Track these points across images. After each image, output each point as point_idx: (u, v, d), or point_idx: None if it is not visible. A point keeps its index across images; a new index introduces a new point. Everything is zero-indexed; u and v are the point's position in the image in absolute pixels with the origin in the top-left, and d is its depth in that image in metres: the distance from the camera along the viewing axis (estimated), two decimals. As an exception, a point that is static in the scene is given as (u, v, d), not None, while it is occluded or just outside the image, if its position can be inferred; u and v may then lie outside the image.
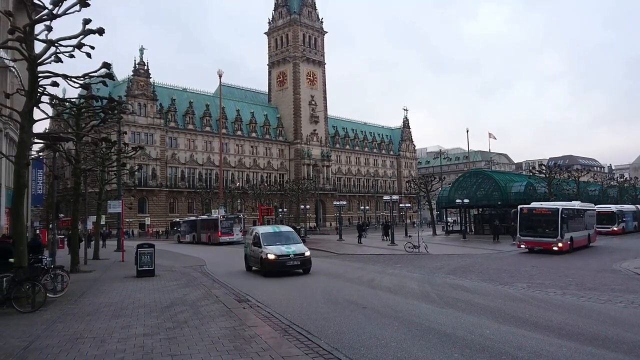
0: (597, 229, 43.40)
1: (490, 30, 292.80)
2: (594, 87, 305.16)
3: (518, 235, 27.58)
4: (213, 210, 61.98)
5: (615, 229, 43.25)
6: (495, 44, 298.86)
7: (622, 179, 76.74)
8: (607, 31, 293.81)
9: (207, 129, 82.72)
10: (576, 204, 31.88)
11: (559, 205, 27.69)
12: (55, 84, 14.05)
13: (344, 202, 62.84)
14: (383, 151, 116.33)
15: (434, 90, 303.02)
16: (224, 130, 79.53)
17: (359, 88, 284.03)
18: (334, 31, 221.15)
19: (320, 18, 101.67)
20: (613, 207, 45.66)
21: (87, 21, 13.81)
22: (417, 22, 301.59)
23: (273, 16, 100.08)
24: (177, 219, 60.44)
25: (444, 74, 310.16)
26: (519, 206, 28.64)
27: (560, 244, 25.57)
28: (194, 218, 54.48)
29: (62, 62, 13.57)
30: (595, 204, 47.20)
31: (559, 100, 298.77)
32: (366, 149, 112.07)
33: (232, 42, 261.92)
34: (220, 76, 63.98)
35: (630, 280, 15.52)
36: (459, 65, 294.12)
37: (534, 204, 29.02)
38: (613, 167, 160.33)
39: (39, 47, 13.54)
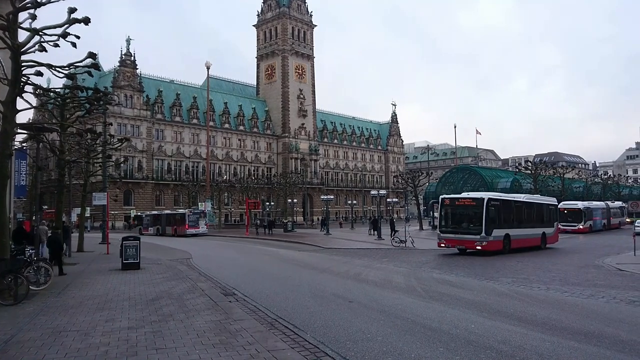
0: (562, 227, 42.27)
1: (489, 21, 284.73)
2: (591, 83, 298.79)
3: (438, 231, 24.07)
4: (199, 204, 62.72)
5: (581, 227, 41.45)
6: (493, 36, 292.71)
7: (606, 176, 77.89)
8: (610, 25, 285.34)
9: (195, 121, 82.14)
10: (522, 197, 28.15)
11: (485, 195, 23.66)
12: (39, 74, 13.82)
13: (332, 197, 63.12)
14: (371, 146, 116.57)
15: (429, 84, 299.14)
16: (211, 123, 79.03)
17: (351, 81, 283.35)
18: (327, 23, 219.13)
19: (310, 11, 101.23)
20: (580, 204, 43.78)
21: (72, 10, 13.59)
22: (412, 11, 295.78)
23: (262, 9, 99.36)
24: (140, 213, 61.15)
25: (439, 66, 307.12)
26: (441, 196, 25.16)
27: (484, 243, 21.76)
28: (157, 212, 57.73)
29: (46, 51, 13.35)
30: (580, 201, 47.80)
31: (554, 95, 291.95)
32: (354, 144, 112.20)
33: (223, 29, 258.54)
34: (208, 68, 63.49)
35: (613, 275, 15.78)
36: (455, 58, 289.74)
37: (464, 194, 25.45)
38: (597, 164, 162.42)
39: (22, 35, 13.29)
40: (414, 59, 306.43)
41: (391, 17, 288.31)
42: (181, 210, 53.58)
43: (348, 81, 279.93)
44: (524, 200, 27.09)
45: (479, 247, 21.96)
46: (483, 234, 21.76)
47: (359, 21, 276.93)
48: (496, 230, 22.34)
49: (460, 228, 23.05)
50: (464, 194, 25.59)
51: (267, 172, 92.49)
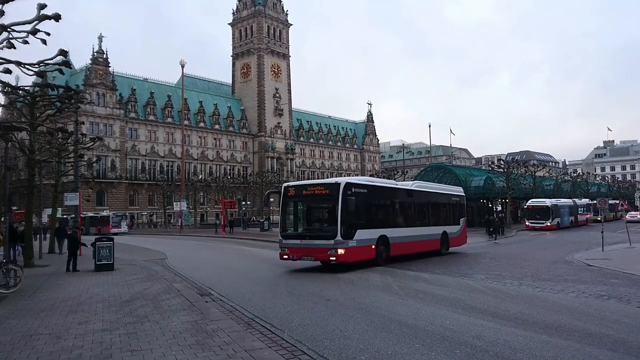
0: (531, 225, 43.17)
1: (475, 15, 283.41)
2: (573, 79, 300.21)
3: (280, 236, 16.84)
4: (174, 203, 62.61)
5: (548, 224, 42.34)
6: (479, 31, 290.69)
7: (575, 174, 79.92)
8: (594, 20, 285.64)
9: (169, 120, 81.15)
10: (410, 184, 21.88)
11: (343, 179, 16.65)
12: (7, 71, 13.46)
13: (308, 195, 63.02)
14: (347, 145, 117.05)
15: (412, 80, 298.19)
16: (186, 122, 78.18)
17: (336, 77, 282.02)
18: (312, 19, 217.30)
19: (286, 10, 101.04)
20: (547, 202, 44.70)
21: (42, 6, 13.26)
22: (399, 5, 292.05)
23: (237, 7, 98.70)
24: (65, 216, 61.48)
25: (423, 63, 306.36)
26: (284, 185, 17.63)
27: (341, 251, 15.14)
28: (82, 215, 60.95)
29: (15, 48, 13.02)
30: (551, 199, 48.87)
31: (536, 93, 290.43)
32: (330, 143, 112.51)
33: (202, 24, 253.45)
34: (182, 66, 62.80)
35: (582, 271, 16.20)
36: (439, 53, 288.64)
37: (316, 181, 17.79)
38: (567, 163, 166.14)
39: (-11, 32, 12.92)
40: (399, 56, 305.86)
41: (377, 12, 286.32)
42: (104, 213, 61.45)
43: (333, 77, 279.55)
44: (413, 188, 20.68)
45: (332, 258, 15.34)
46: (339, 237, 15.12)
47: (344, 17, 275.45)
48: (362, 231, 15.98)
49: (310, 230, 16.45)
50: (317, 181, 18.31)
51: (243, 171, 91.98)
